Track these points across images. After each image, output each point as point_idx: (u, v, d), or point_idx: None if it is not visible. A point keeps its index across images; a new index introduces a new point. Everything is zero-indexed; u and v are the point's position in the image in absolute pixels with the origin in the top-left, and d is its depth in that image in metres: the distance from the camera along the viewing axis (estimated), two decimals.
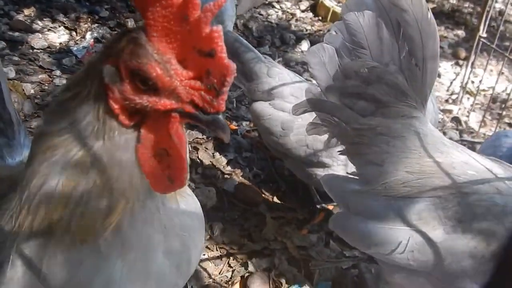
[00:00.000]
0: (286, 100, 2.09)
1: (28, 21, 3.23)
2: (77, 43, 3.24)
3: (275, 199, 2.32)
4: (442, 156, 1.23)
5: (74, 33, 3.35)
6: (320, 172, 2.04)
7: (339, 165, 2.00)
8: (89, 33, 3.36)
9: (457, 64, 4.00)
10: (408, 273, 1.23)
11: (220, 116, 0.70)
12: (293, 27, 4.20)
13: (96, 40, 3.32)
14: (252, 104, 2.20)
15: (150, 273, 0.91)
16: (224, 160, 2.51)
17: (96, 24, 3.50)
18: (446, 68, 3.92)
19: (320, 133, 1.43)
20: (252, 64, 2.18)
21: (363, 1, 1.27)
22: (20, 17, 3.25)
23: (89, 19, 3.51)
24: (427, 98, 1.30)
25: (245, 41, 2.29)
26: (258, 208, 2.24)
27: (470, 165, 1.24)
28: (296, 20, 4.36)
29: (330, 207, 2.33)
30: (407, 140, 1.24)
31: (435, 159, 1.23)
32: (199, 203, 1.11)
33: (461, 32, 4.75)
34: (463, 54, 4.09)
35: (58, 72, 2.92)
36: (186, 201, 1.03)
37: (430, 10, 1.24)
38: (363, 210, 1.25)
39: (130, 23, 3.59)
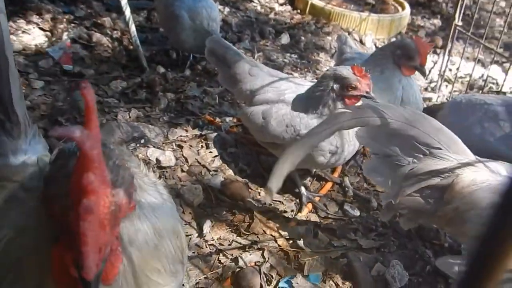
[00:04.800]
0: (264, 94, 2.25)
1: None
2: (53, 45, 3.17)
3: (262, 193, 2.33)
4: None
5: (49, 34, 3.28)
6: None
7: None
8: (65, 33, 3.30)
9: (434, 52, 4.06)
10: None
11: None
12: (272, 21, 4.20)
13: (73, 40, 3.26)
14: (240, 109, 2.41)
15: None
16: (209, 157, 2.50)
17: (72, 24, 3.43)
18: None
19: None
20: (237, 67, 2.34)
21: None
22: None
23: (65, 20, 3.44)
24: None
25: (229, 43, 2.45)
26: (245, 203, 2.24)
27: None
28: (275, 14, 4.36)
29: (317, 198, 2.35)
30: None
31: None
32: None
33: (437, 21, 4.82)
34: (440, 42, 4.16)
35: (35, 75, 2.86)
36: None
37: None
38: None
39: (108, 23, 3.52)
